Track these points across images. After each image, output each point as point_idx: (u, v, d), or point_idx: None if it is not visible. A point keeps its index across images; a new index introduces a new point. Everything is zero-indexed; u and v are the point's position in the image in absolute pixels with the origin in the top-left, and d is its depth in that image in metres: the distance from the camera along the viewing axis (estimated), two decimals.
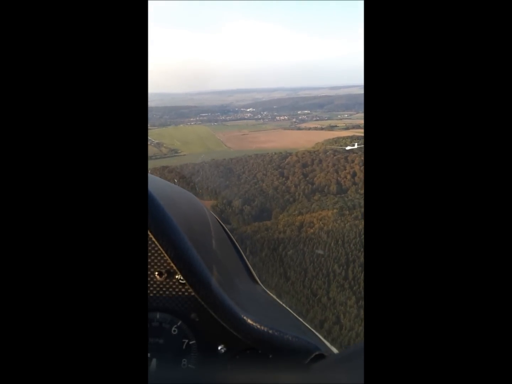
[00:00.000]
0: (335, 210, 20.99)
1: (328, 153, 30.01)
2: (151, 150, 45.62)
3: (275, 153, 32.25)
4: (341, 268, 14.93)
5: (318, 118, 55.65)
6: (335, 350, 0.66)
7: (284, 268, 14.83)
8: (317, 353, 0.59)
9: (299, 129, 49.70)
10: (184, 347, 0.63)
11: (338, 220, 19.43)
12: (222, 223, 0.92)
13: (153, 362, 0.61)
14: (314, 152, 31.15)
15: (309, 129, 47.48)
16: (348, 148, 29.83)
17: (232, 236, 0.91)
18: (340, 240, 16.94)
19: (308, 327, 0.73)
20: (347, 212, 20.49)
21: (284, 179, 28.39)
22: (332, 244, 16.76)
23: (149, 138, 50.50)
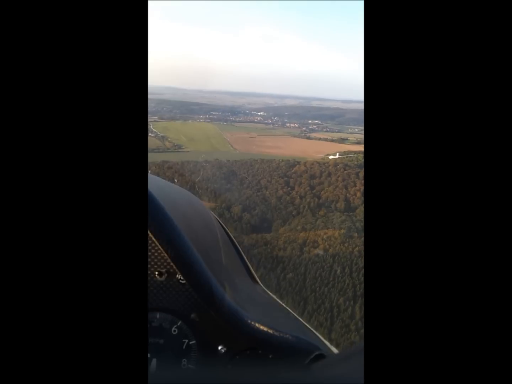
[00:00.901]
0: (342, 231, 18.69)
1: (338, 166, 27.73)
2: (155, 142, 43.63)
3: (282, 160, 29.95)
4: (347, 303, 12.61)
5: (328, 130, 53.82)
6: (335, 350, 0.64)
7: (280, 294, 12.49)
8: (317, 353, 0.59)
9: (308, 138, 47.60)
10: (184, 347, 0.62)
11: (345, 243, 17.12)
12: (222, 223, 0.88)
13: (153, 362, 0.61)
14: (324, 164, 28.86)
15: (319, 139, 45.28)
16: (331, 157, 29.85)
17: (232, 236, 0.87)
18: (347, 267, 14.63)
19: (308, 327, 0.71)
20: (356, 235, 18.20)
21: (289, 188, 26.08)
22: (338, 271, 14.43)
23: (154, 130, 48.54)
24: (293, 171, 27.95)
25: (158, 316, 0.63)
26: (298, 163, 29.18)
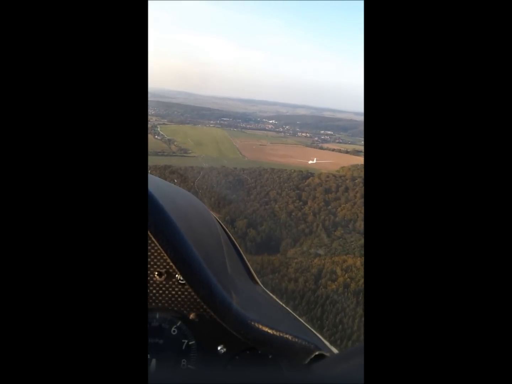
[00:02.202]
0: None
1: (356, 181, 24.51)
2: (160, 145, 40.93)
3: (294, 171, 26.81)
4: None
5: (341, 141, 51.02)
6: (335, 350, 0.63)
7: None
8: (317, 353, 0.58)
9: (321, 148, 44.56)
10: (183, 347, 0.61)
11: None
12: (222, 223, 0.87)
13: (153, 362, 0.60)
14: (340, 177, 25.65)
15: (333, 150, 42.13)
16: (310, 162, 30.34)
17: (232, 236, 0.86)
18: None
19: (308, 327, 0.70)
20: None
21: (301, 203, 22.85)
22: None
23: (161, 133, 45.88)
24: (306, 183, 24.75)
25: (157, 316, 0.62)
26: (312, 174, 26.00)
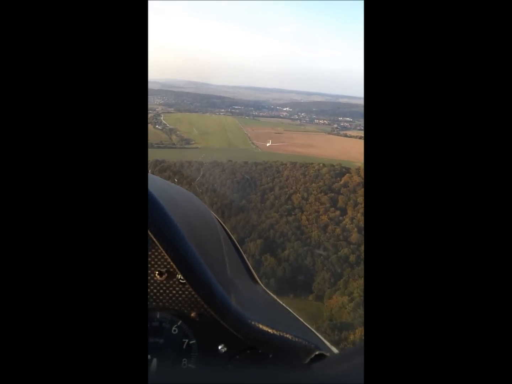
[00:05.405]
0: None
1: None
2: (160, 136, 33.54)
3: (324, 165, 19.28)
4: None
5: (361, 128, 43.16)
6: (335, 350, 0.61)
7: None
8: (317, 353, 0.56)
9: (345, 136, 36.85)
10: (184, 346, 0.60)
11: None
12: (222, 223, 0.84)
13: (153, 362, 0.59)
14: None
15: (360, 138, 34.26)
16: (268, 144, 30.59)
17: (232, 236, 0.83)
18: None
19: (308, 327, 0.68)
20: None
21: (337, 212, 15.42)
22: None
23: (164, 122, 38.82)
24: (341, 182, 17.22)
25: (158, 315, 0.60)
26: (348, 170, 18.43)
